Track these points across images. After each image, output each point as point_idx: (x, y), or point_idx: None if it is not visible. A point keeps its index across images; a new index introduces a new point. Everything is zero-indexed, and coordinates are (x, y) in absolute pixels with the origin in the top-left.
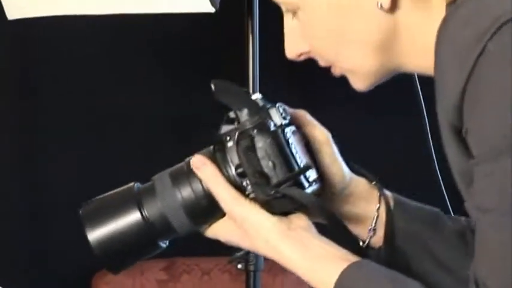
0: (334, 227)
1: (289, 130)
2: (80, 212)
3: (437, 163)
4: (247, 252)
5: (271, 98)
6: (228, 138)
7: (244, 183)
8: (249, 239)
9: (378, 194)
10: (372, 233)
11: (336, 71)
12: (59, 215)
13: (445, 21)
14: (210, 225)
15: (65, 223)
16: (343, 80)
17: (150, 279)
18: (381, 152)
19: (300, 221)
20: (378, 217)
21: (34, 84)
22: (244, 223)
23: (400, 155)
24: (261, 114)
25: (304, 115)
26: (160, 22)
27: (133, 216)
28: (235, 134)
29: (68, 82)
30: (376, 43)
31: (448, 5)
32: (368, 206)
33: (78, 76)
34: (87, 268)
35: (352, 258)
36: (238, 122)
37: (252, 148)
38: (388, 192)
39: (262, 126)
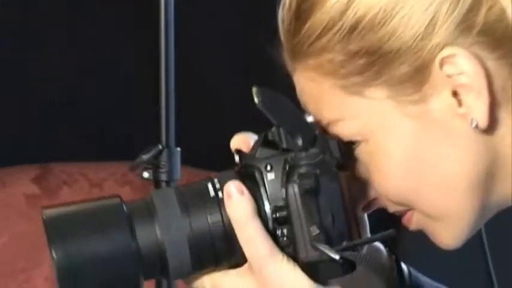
0: None
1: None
2: (44, 217)
3: None
4: (158, 154)
5: None
6: (269, 167)
7: (278, 232)
8: None
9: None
10: None
11: (413, 221)
12: None
13: None
14: (210, 273)
15: None
16: None
17: (16, 194)
18: None
19: None
20: None
21: None
22: (274, 286)
23: None
24: (322, 147)
25: None
26: None
27: (121, 242)
28: (283, 164)
29: None
30: (472, 177)
31: None
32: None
33: None
34: None
35: None
36: (284, 149)
37: (314, 192)
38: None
39: (327, 166)
